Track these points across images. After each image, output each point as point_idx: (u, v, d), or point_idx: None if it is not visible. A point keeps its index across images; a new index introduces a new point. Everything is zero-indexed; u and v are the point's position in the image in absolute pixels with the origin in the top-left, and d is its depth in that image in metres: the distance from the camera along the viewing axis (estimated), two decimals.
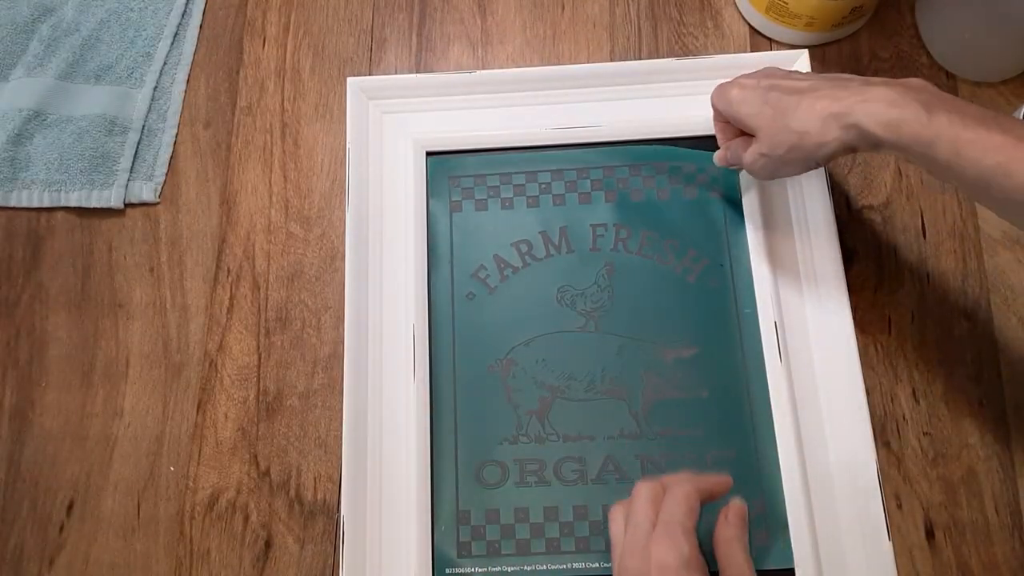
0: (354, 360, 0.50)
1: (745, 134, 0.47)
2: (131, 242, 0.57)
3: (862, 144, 0.40)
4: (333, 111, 0.59)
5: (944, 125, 0.36)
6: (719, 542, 0.41)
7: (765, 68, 0.47)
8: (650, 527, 0.39)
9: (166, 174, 0.58)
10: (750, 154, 0.45)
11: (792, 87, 0.43)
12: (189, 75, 0.61)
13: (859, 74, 0.57)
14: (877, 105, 0.38)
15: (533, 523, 0.48)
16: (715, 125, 0.51)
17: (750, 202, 0.53)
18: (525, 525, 0.48)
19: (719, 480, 0.41)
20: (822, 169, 0.52)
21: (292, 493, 0.51)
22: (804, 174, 0.52)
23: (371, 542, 0.48)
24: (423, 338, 0.51)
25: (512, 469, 0.49)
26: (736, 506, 0.42)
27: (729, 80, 0.47)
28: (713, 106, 0.49)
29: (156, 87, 0.61)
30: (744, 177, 0.54)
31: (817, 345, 0.50)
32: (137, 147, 0.59)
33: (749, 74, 0.47)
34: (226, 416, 0.53)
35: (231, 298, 0.55)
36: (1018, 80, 0.56)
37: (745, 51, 0.58)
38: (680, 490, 0.39)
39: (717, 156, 0.50)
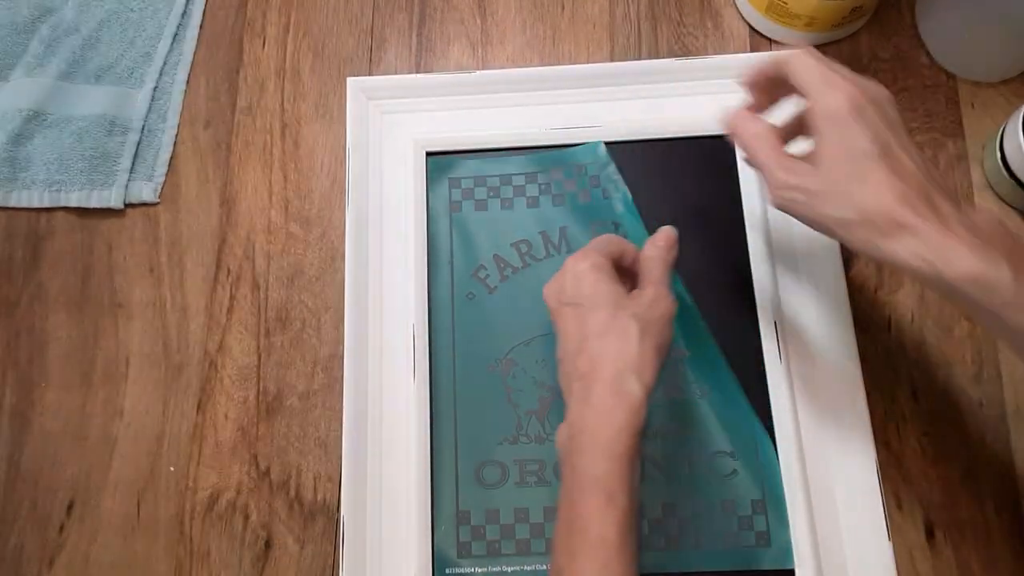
0: (354, 360, 0.51)
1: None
2: (131, 242, 0.57)
3: (921, 274, 0.35)
4: (333, 111, 0.59)
5: None
6: (642, 259, 0.44)
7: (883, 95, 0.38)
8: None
9: (166, 174, 0.58)
10: (793, 172, 0.38)
11: (886, 140, 0.36)
12: (189, 75, 0.61)
13: (859, 73, 0.57)
14: (960, 250, 0.34)
15: (533, 523, 0.48)
16: (753, 79, 0.42)
17: (749, 202, 0.53)
18: (525, 525, 0.48)
19: (628, 245, 0.45)
20: None
21: (292, 493, 0.51)
22: None
23: (371, 542, 0.48)
24: (423, 338, 0.51)
25: (512, 469, 0.49)
26: (666, 231, 0.46)
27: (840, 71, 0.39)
28: (785, 63, 0.39)
29: (156, 87, 0.61)
30: (743, 178, 0.54)
31: (817, 345, 0.50)
32: (137, 147, 0.59)
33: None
34: (226, 416, 0.53)
35: (231, 298, 0.55)
36: (1018, 80, 0.56)
37: (745, 51, 0.59)
38: (598, 237, 0.45)
39: (736, 121, 0.41)
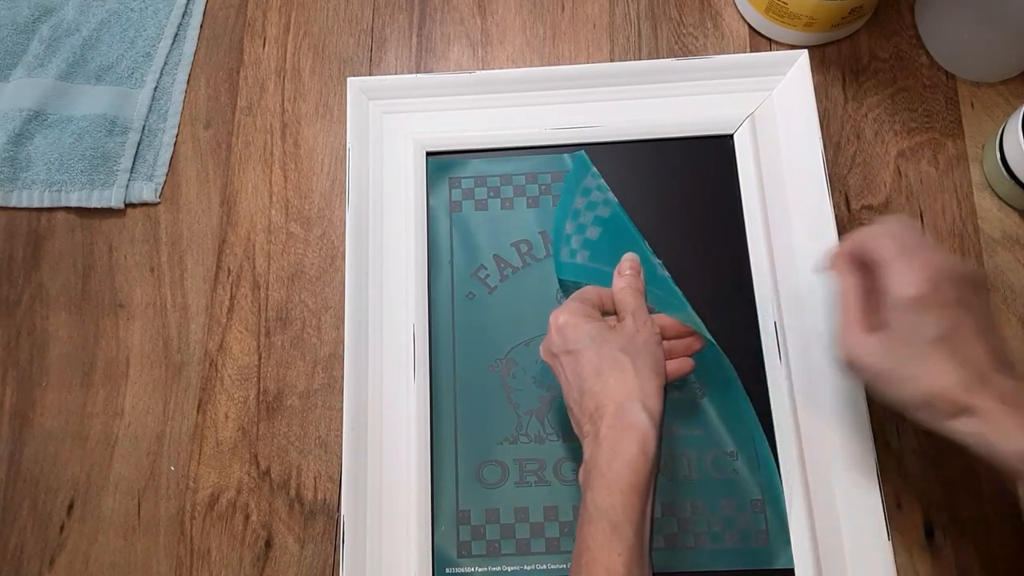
0: (354, 360, 0.50)
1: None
2: (131, 242, 0.57)
3: (977, 450, 0.37)
4: (333, 111, 0.59)
5: None
6: (614, 292, 0.45)
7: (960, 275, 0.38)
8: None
9: (166, 174, 0.58)
10: (864, 348, 0.39)
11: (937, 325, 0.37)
12: (189, 75, 0.61)
13: (859, 73, 0.57)
14: (1015, 430, 0.36)
15: (533, 523, 0.48)
16: (836, 262, 0.42)
17: (749, 202, 0.53)
18: (525, 525, 0.48)
19: (605, 291, 0.46)
20: (821, 170, 0.52)
21: (292, 493, 0.51)
22: (800, 165, 0.52)
23: (371, 542, 0.48)
24: (423, 338, 0.51)
25: (512, 469, 0.49)
26: (627, 259, 0.46)
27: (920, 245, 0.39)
28: (863, 243, 0.40)
29: (156, 87, 0.61)
30: (743, 178, 0.54)
31: (817, 345, 0.50)
32: (137, 147, 0.59)
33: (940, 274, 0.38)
34: (226, 416, 0.53)
35: (231, 298, 0.55)
36: (1018, 80, 0.56)
37: (745, 51, 0.59)
38: (576, 292, 0.46)
39: (837, 265, 0.42)
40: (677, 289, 0.49)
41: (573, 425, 0.43)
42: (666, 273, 0.50)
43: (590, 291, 0.46)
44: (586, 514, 0.38)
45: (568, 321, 0.43)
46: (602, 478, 0.38)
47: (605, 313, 0.45)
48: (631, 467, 0.38)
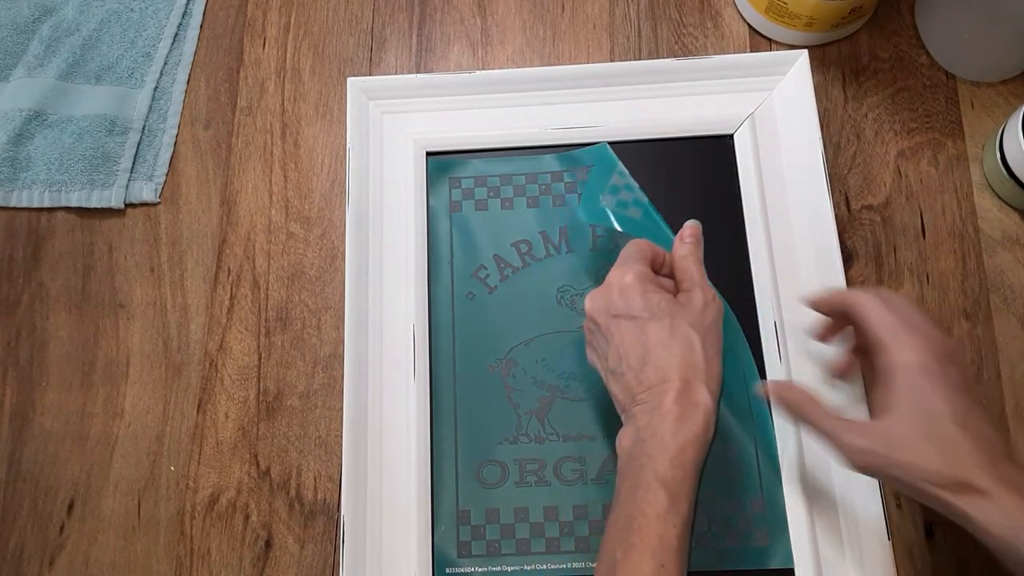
0: (354, 360, 0.50)
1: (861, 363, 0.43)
2: (131, 242, 0.57)
3: (991, 539, 0.35)
4: (333, 111, 0.59)
5: None
6: (675, 260, 0.45)
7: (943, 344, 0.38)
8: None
9: (166, 174, 0.58)
10: (865, 434, 0.38)
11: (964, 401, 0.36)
12: (189, 75, 0.61)
13: (859, 73, 0.57)
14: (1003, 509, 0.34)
15: (533, 523, 0.48)
16: (818, 305, 0.45)
17: (750, 205, 0.53)
18: (525, 525, 0.48)
19: (659, 249, 0.46)
20: (821, 170, 0.52)
21: (292, 493, 0.51)
22: (800, 165, 0.52)
23: (371, 542, 0.48)
24: (423, 338, 0.51)
25: (512, 469, 0.49)
26: (689, 226, 0.46)
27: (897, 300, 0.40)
28: (857, 307, 0.40)
29: (156, 87, 0.61)
30: (743, 178, 0.54)
31: (817, 345, 0.50)
32: (137, 147, 0.59)
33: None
34: (226, 416, 0.53)
35: (231, 298, 0.55)
36: (1018, 80, 0.56)
37: (745, 51, 0.59)
38: (629, 245, 0.45)
39: (785, 393, 0.42)
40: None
41: (619, 388, 0.42)
42: None
43: (644, 245, 0.45)
44: (642, 480, 0.38)
45: (635, 286, 0.42)
46: (664, 450, 0.38)
47: (656, 272, 0.45)
48: (695, 444, 0.38)
